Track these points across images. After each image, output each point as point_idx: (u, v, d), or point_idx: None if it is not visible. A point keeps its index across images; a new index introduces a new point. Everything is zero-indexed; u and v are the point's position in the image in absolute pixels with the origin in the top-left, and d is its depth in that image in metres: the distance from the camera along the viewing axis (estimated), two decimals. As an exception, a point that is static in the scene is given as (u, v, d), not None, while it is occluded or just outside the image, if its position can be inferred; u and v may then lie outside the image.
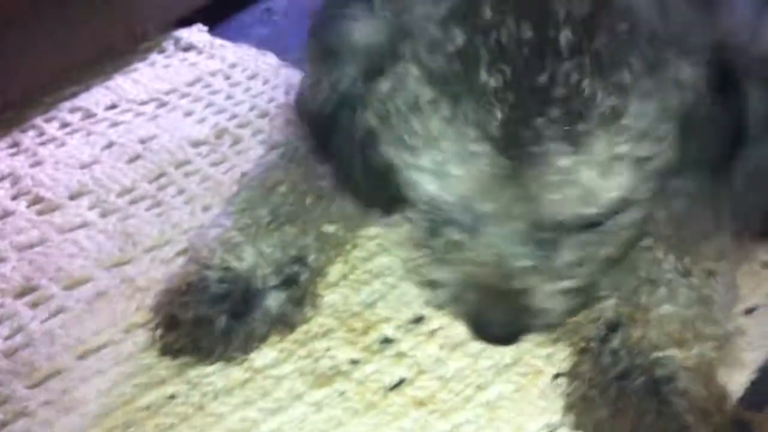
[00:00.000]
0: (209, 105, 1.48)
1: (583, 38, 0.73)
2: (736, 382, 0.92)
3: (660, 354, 0.86)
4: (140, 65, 1.61)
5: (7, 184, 1.28)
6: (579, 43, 0.73)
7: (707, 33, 0.75)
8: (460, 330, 0.96)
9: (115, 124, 1.43)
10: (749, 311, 1.01)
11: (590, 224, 0.80)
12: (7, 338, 0.99)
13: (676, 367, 0.85)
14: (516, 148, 0.73)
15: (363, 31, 0.83)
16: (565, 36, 0.73)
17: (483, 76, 0.73)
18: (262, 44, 1.71)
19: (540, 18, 0.73)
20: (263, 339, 0.96)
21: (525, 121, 0.73)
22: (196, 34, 1.70)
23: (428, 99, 0.76)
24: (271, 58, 1.60)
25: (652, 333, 0.87)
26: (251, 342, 0.95)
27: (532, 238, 0.80)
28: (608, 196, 0.76)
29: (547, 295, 0.84)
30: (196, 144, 1.36)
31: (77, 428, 0.87)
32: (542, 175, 0.74)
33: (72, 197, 1.24)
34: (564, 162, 0.73)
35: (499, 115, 0.73)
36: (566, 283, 0.84)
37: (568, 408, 0.87)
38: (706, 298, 0.89)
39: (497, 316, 0.85)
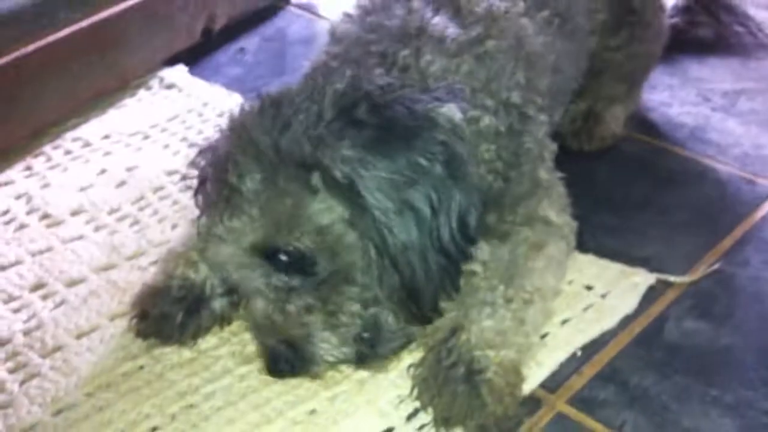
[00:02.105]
0: (183, 139, 1.81)
1: None
2: (540, 372, 1.26)
3: (478, 353, 1.17)
4: (130, 101, 1.94)
5: (22, 201, 1.62)
6: None
7: None
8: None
9: (107, 153, 1.76)
10: (564, 322, 1.35)
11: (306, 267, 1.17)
12: (25, 322, 1.34)
13: (487, 363, 1.16)
14: None
15: None
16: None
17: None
18: (234, 83, 2.05)
19: None
20: (208, 330, 1.30)
21: None
22: (177, 73, 2.03)
23: None
24: (237, 98, 1.91)
25: (474, 338, 1.19)
26: (199, 331, 1.29)
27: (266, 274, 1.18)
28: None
29: (326, 341, 1.19)
30: (170, 173, 1.69)
31: (75, 386, 1.22)
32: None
33: (72, 214, 1.59)
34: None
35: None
36: (342, 331, 1.19)
37: (414, 386, 1.20)
38: (519, 318, 1.22)
39: (281, 358, 1.20)
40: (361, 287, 1.19)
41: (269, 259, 1.18)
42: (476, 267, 1.27)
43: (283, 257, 1.17)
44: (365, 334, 1.22)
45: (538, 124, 1.38)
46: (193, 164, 1.26)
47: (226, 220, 1.16)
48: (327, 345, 1.20)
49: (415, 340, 1.26)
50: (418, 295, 1.18)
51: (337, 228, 1.16)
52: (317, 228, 1.15)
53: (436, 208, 1.15)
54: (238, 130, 1.20)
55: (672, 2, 2.16)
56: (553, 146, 1.44)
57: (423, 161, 1.15)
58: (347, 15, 1.39)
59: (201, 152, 1.25)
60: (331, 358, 1.21)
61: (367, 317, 1.20)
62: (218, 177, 1.19)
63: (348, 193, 1.13)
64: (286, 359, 1.20)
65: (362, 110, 1.16)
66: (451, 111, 1.19)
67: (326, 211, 1.15)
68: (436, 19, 1.31)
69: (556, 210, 1.36)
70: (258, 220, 1.15)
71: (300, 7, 2.41)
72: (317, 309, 1.19)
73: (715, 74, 2.13)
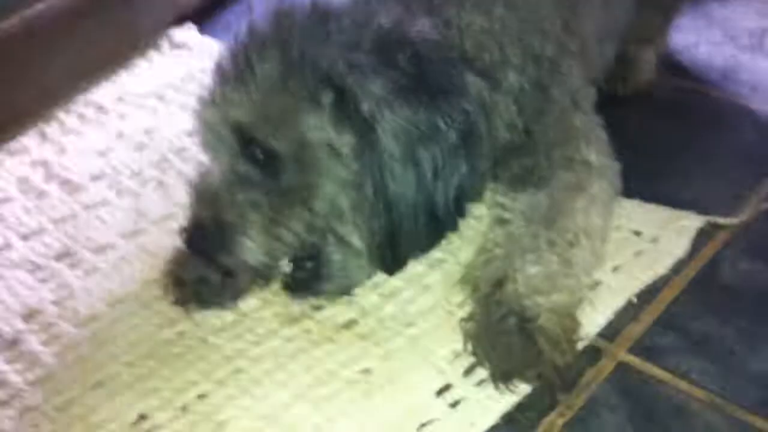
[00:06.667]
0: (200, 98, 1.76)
1: None
2: (597, 321, 1.22)
3: (528, 302, 1.14)
4: (140, 62, 1.88)
5: (39, 168, 1.56)
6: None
7: None
8: (396, 283, 1.27)
9: (122, 116, 1.70)
10: (615, 268, 1.31)
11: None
12: (55, 291, 1.28)
13: (539, 310, 1.13)
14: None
15: None
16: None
17: None
18: (244, 40, 1.99)
19: None
20: (248, 291, 1.24)
21: None
22: (187, 33, 1.96)
23: None
24: (250, 55, 1.87)
25: (522, 287, 1.16)
26: (239, 293, 1.23)
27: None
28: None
29: (256, 242, 1.15)
30: (191, 133, 1.61)
31: (115, 356, 1.17)
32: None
33: (93, 179, 1.52)
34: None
35: None
36: (276, 244, 1.16)
37: (467, 341, 1.16)
38: (566, 260, 1.18)
39: (205, 234, 1.17)
40: (314, 214, 1.17)
41: (244, 145, 1.16)
42: (511, 215, 1.25)
43: (257, 151, 1.15)
44: (309, 264, 1.20)
45: (570, 74, 1.34)
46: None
47: (228, 89, 1.16)
48: (254, 246, 1.16)
49: (350, 293, 1.24)
50: (397, 245, 1.17)
51: (319, 151, 1.14)
52: (300, 140, 1.14)
53: (439, 173, 1.14)
54: (281, 19, 1.18)
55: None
56: (591, 91, 1.40)
57: (441, 123, 1.13)
58: None
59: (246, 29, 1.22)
60: (250, 259, 1.16)
61: (307, 243, 1.18)
62: (243, 50, 1.17)
63: (364, 126, 1.12)
64: (207, 236, 1.17)
65: (404, 56, 1.13)
66: (484, 87, 1.19)
67: (317, 129, 1.13)
68: None
69: (595, 152, 1.32)
70: (253, 103, 1.14)
71: (308, -38, 2.34)
72: (263, 212, 1.16)
73: (737, 14, 2.09)
